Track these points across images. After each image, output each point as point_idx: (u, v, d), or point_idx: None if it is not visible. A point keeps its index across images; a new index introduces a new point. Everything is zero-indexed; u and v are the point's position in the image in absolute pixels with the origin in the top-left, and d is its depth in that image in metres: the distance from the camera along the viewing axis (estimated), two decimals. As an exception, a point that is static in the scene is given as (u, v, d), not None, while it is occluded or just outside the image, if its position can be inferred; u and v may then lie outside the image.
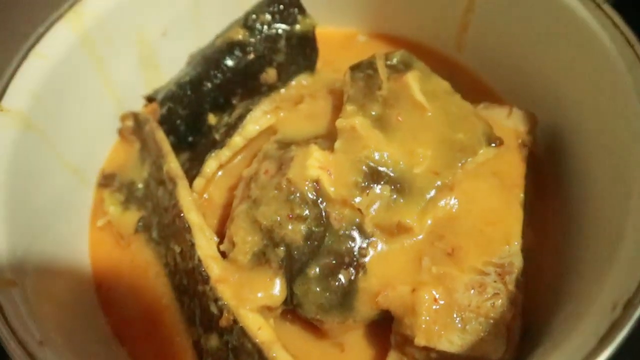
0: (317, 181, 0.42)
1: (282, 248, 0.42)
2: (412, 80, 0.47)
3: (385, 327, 0.43)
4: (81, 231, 0.51)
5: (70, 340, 0.38)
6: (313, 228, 0.42)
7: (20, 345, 0.33)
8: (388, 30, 0.65)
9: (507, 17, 0.54)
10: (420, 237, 0.43)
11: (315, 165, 0.42)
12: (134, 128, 0.55)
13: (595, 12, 0.45)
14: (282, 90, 0.53)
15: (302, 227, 0.42)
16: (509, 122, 0.50)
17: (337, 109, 0.49)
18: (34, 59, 0.47)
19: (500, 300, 0.40)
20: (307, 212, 0.41)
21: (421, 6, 0.61)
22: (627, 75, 0.41)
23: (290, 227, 0.42)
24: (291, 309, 0.44)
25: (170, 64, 0.59)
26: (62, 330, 0.38)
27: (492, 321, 0.39)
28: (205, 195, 0.50)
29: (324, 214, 0.42)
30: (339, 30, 0.66)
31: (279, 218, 0.42)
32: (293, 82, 0.54)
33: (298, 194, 0.41)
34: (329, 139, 0.46)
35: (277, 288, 0.42)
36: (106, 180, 0.54)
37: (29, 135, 0.46)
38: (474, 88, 0.59)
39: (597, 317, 0.31)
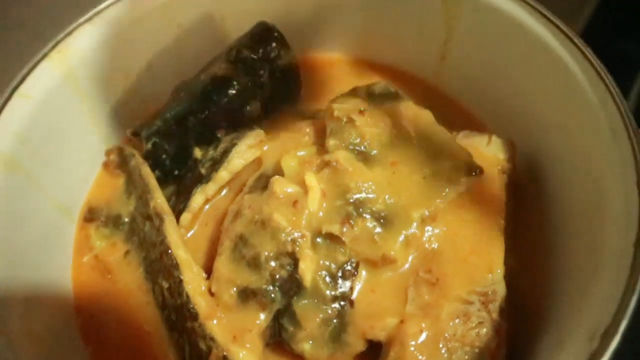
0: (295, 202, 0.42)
1: (269, 284, 0.42)
2: (405, 110, 0.48)
3: (372, 356, 0.44)
4: (65, 266, 0.51)
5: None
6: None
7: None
8: (370, 57, 0.67)
9: (484, 48, 0.56)
10: (405, 268, 0.44)
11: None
12: (119, 162, 0.56)
13: (566, 44, 0.47)
14: (266, 123, 0.54)
15: (288, 262, 0.42)
16: (489, 150, 0.52)
17: (320, 140, 0.50)
18: (18, 100, 0.48)
19: (484, 329, 0.41)
20: (290, 248, 0.42)
21: (402, 35, 0.62)
22: (598, 107, 0.43)
23: (276, 262, 0.42)
24: (280, 343, 0.44)
25: (155, 99, 0.59)
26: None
27: (477, 350, 0.40)
28: (192, 231, 0.51)
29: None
30: (323, 56, 0.67)
31: (265, 254, 0.43)
32: (277, 115, 0.55)
33: (283, 234, 0.42)
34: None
35: (265, 324, 0.43)
36: (92, 215, 0.54)
37: (13, 176, 0.46)
38: (454, 115, 0.60)
39: (575, 347, 0.32)
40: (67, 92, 0.52)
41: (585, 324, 0.33)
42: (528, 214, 0.52)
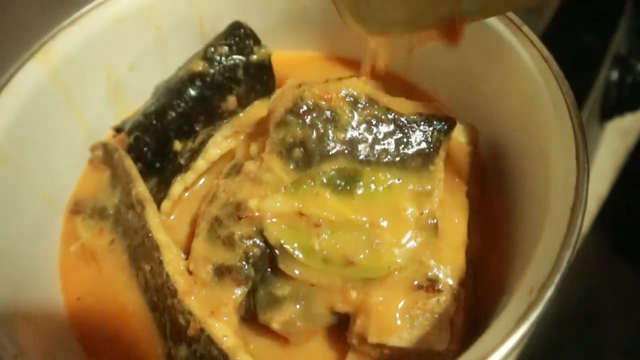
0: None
1: (243, 261, 0.45)
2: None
3: (344, 330, 0.47)
4: (52, 255, 0.54)
5: (42, 354, 0.41)
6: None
7: (-4, 359, 0.36)
8: (343, 54, 0.70)
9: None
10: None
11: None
12: (103, 157, 0.59)
13: (517, 33, 0.51)
14: (241, 115, 0.57)
15: (260, 241, 0.45)
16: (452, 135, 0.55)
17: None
18: (5, 97, 0.51)
19: (444, 297, 0.44)
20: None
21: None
22: (544, 87, 0.46)
23: (249, 241, 0.45)
24: (255, 318, 0.47)
25: (137, 96, 0.62)
26: (35, 346, 0.41)
27: (436, 316, 0.43)
28: (173, 216, 0.54)
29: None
30: (297, 54, 0.70)
31: (239, 233, 0.45)
32: (251, 108, 0.58)
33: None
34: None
35: (240, 299, 0.45)
36: (78, 207, 0.57)
37: (2, 167, 0.49)
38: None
39: (518, 301, 0.35)
40: (52, 91, 0.55)
41: (528, 281, 0.36)
42: (493, 193, 0.55)
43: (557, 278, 0.35)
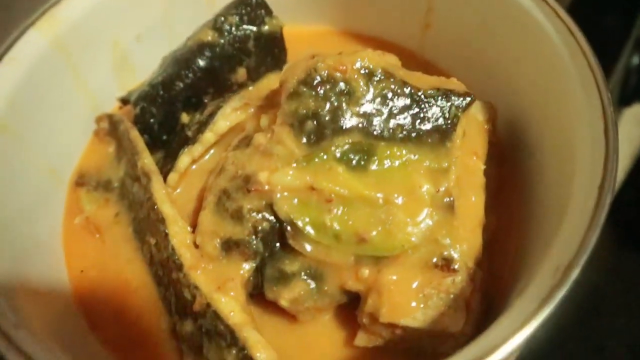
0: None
1: (252, 235, 0.44)
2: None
3: (354, 308, 0.45)
4: (56, 227, 0.52)
5: (44, 325, 0.40)
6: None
7: (-4, 327, 0.35)
8: (357, 29, 0.68)
9: (464, 15, 0.57)
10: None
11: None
12: (109, 129, 0.57)
13: (541, 5, 0.49)
14: (251, 88, 0.55)
15: (269, 215, 0.44)
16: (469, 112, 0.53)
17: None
18: (6, 64, 0.49)
19: (459, 277, 0.42)
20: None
21: (387, 6, 0.64)
22: (569, 62, 0.44)
23: (259, 215, 0.44)
24: (263, 294, 0.45)
25: (144, 67, 0.60)
26: (37, 317, 0.40)
27: (452, 296, 0.41)
28: (179, 189, 0.52)
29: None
30: (309, 28, 0.68)
31: (248, 206, 0.44)
32: (262, 80, 0.57)
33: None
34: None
35: (248, 274, 0.44)
36: (82, 179, 0.55)
37: (3, 138, 0.48)
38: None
39: (540, 281, 0.34)
40: (56, 60, 0.53)
41: (552, 261, 0.35)
42: (510, 173, 0.53)
43: (583, 258, 0.33)
